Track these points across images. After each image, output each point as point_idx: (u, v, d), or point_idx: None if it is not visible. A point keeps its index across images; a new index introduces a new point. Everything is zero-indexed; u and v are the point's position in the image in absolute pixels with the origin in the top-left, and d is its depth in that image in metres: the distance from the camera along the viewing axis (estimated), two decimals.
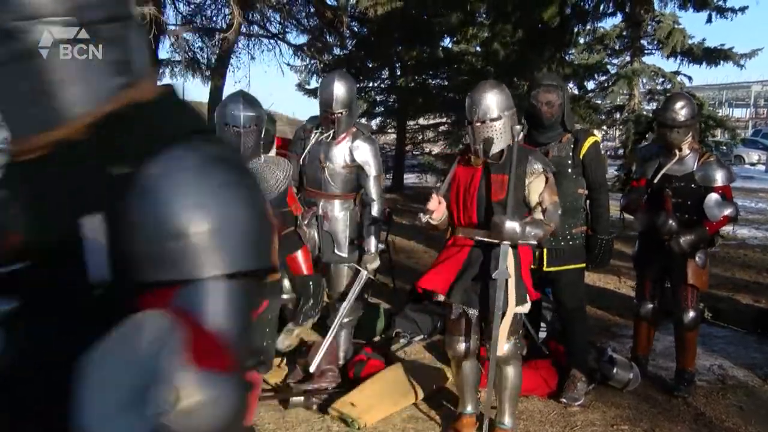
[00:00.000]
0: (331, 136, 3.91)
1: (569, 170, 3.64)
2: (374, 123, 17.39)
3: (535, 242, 3.15)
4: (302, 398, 3.65)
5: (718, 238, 4.03)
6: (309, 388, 3.74)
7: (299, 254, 3.53)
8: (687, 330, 3.90)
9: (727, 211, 3.82)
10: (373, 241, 3.95)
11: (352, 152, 3.92)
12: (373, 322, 4.79)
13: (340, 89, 3.81)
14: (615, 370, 3.89)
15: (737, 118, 31.53)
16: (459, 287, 3.15)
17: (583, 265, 3.77)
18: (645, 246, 4.03)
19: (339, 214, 4.01)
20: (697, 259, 3.82)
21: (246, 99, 3.50)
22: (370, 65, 14.63)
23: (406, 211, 11.86)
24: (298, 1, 10.98)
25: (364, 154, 3.93)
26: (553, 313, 4.75)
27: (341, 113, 3.84)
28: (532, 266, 3.50)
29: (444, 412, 3.63)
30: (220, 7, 10.81)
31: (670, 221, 3.75)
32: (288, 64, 13.35)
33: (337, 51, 13.53)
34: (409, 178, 16.39)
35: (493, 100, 3.12)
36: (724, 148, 14.17)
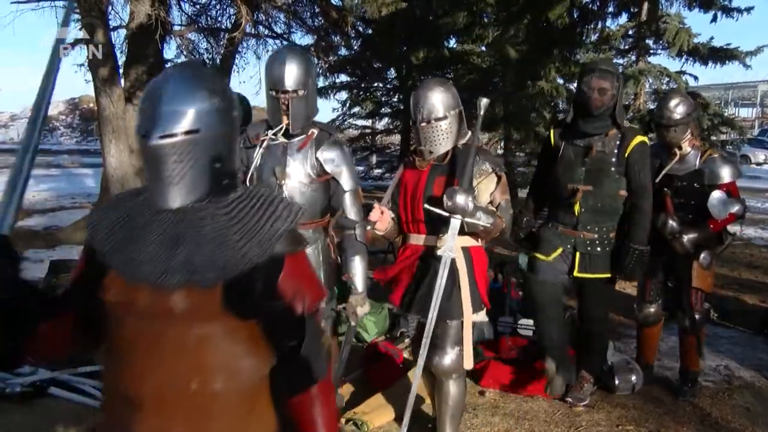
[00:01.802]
0: (284, 130, 2.89)
1: (612, 168, 3.40)
2: (380, 124, 17.44)
3: (487, 226, 2.87)
4: None
5: (728, 236, 3.90)
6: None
7: None
8: (691, 332, 3.85)
9: (734, 209, 3.72)
10: (359, 276, 2.99)
11: (319, 161, 2.96)
12: (377, 321, 4.79)
13: (292, 62, 2.84)
14: (617, 382, 3.87)
15: (743, 117, 31.39)
16: (413, 296, 2.99)
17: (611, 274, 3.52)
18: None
19: (307, 250, 2.86)
20: (701, 259, 3.75)
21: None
22: (376, 66, 14.63)
23: None
24: (303, 1, 10.97)
25: (335, 162, 2.97)
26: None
27: (295, 93, 2.83)
28: (545, 257, 3.48)
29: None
30: (225, 7, 10.81)
31: (670, 221, 3.69)
32: None
33: (342, 51, 13.53)
34: None
35: (438, 99, 2.92)
36: (731, 147, 14.10)
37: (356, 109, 16.10)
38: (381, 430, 3.44)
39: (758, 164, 25.13)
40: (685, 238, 3.68)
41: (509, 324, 4.69)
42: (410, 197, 3.00)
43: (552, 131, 3.67)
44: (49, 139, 37.17)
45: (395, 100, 15.97)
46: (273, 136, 2.91)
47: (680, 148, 3.79)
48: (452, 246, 2.86)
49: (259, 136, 2.95)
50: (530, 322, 4.58)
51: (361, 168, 17.62)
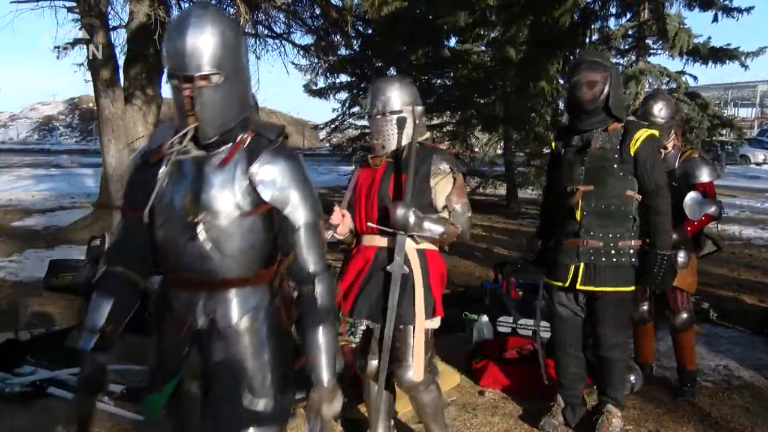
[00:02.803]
0: (189, 136, 1.82)
1: (615, 166, 3.10)
2: None
3: (437, 237, 2.75)
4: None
5: (706, 240, 3.88)
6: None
7: None
8: (680, 332, 3.82)
9: (709, 210, 3.68)
10: (324, 359, 1.88)
11: (253, 181, 1.83)
12: None
13: (200, 30, 1.74)
14: None
15: (743, 117, 31.45)
16: (363, 301, 2.80)
17: (630, 288, 3.19)
18: None
19: (241, 323, 1.89)
20: (679, 259, 3.58)
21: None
22: (376, 66, 14.63)
23: None
24: (303, 1, 10.98)
25: (278, 183, 1.85)
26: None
27: (207, 78, 1.76)
28: (561, 283, 3.25)
29: (449, 413, 3.62)
30: (224, 7, 10.81)
31: None
32: (293, 63, 13.34)
33: (342, 51, 13.53)
34: None
35: (394, 93, 2.83)
36: (730, 147, 14.11)
37: (356, 109, 16.11)
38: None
39: (758, 164, 25.16)
40: (679, 258, 3.57)
41: (509, 324, 4.69)
42: (364, 197, 2.87)
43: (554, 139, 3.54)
44: (48, 139, 37.16)
45: None
46: (180, 146, 1.84)
47: (665, 148, 3.77)
48: (401, 262, 2.74)
49: (162, 149, 1.86)
50: (530, 322, 4.59)
51: None
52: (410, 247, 2.78)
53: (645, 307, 3.96)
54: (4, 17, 47.53)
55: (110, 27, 8.48)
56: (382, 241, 2.82)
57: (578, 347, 3.38)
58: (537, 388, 3.75)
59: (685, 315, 3.78)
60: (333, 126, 16.82)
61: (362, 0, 12.19)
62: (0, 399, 3.56)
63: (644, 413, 3.63)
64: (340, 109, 16.28)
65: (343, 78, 15.59)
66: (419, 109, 2.90)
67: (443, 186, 2.80)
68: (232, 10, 8.34)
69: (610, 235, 3.13)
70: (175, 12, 9.98)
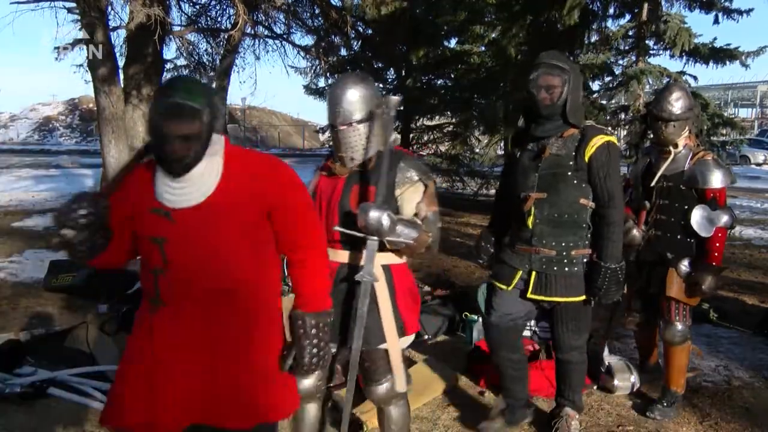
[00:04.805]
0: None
1: (569, 173, 2.93)
2: None
3: (410, 243, 2.54)
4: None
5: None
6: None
7: None
8: (671, 345, 3.55)
9: (721, 221, 3.38)
10: None
11: None
12: None
13: None
14: (615, 383, 3.85)
15: (743, 118, 31.45)
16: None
17: (581, 298, 3.03)
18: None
19: None
20: (681, 267, 3.47)
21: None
22: (376, 66, 14.65)
23: None
24: (303, 1, 10.98)
25: None
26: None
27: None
28: (505, 286, 3.10)
29: (448, 413, 3.63)
30: (224, 7, 10.82)
31: (635, 231, 3.53)
32: (293, 67, 13.36)
33: (342, 52, 13.54)
34: None
35: (358, 98, 2.55)
36: (730, 147, 14.10)
37: None
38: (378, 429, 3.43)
39: (758, 165, 25.17)
40: (682, 266, 3.46)
41: None
42: (325, 208, 2.64)
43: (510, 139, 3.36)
44: (48, 139, 37.16)
45: None
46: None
47: (675, 146, 3.49)
48: (371, 270, 2.54)
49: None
50: (531, 322, 4.60)
51: None
52: (375, 263, 2.58)
53: (637, 316, 3.80)
54: (4, 17, 47.52)
55: (110, 27, 8.49)
56: (344, 256, 2.62)
57: (514, 349, 3.23)
58: (537, 388, 3.75)
59: (679, 327, 3.50)
60: None
61: (362, 0, 12.18)
62: (0, 399, 3.56)
63: (644, 414, 3.62)
64: None
65: None
66: (383, 109, 2.63)
67: (411, 195, 2.63)
68: (231, 11, 8.34)
69: (563, 244, 2.98)
70: (174, 12, 9.98)
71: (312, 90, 15.78)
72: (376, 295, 2.59)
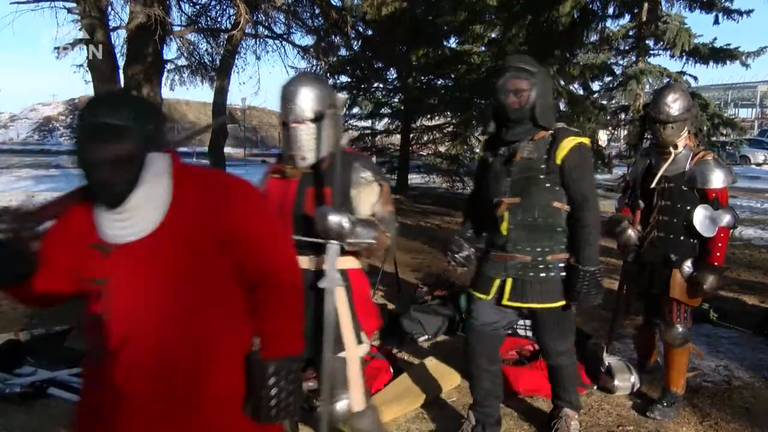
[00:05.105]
0: None
1: (541, 177, 2.88)
2: (380, 125, 17.47)
3: (371, 242, 2.47)
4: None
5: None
6: (312, 386, 3.73)
7: None
8: (672, 347, 3.55)
9: (723, 221, 3.37)
10: None
11: None
12: None
13: None
14: (616, 383, 3.84)
15: (743, 118, 31.46)
16: None
17: (560, 303, 2.97)
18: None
19: None
20: (684, 268, 3.46)
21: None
22: (376, 66, 14.67)
23: (411, 211, 11.87)
24: (303, 1, 10.99)
25: None
26: None
27: None
28: (484, 296, 3.05)
29: (448, 413, 3.63)
30: (224, 7, 10.83)
31: (630, 231, 3.54)
32: (293, 67, 13.37)
33: (342, 52, 13.56)
34: (414, 179, 16.41)
35: (311, 96, 2.49)
36: (730, 148, 14.11)
37: (356, 110, 16.12)
38: None
39: (758, 165, 25.20)
40: (685, 267, 3.44)
41: None
42: (278, 214, 2.49)
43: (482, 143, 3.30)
44: (49, 139, 37.17)
45: (395, 100, 15.99)
46: None
47: (675, 147, 3.47)
48: (334, 276, 2.46)
49: None
50: (530, 322, 4.59)
51: None
52: (339, 283, 2.49)
53: (638, 320, 3.73)
54: (4, 17, 47.55)
55: (110, 27, 8.49)
56: (303, 262, 2.38)
57: (492, 361, 3.15)
58: (537, 388, 3.76)
59: (679, 329, 3.49)
60: None
61: (362, 0, 12.19)
62: (0, 399, 3.56)
63: (645, 414, 3.62)
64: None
65: (344, 79, 15.61)
66: (336, 110, 2.58)
67: (366, 196, 2.56)
68: (231, 11, 8.34)
69: (539, 249, 2.93)
70: (174, 12, 9.98)
71: None
72: (336, 303, 2.49)
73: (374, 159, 17.96)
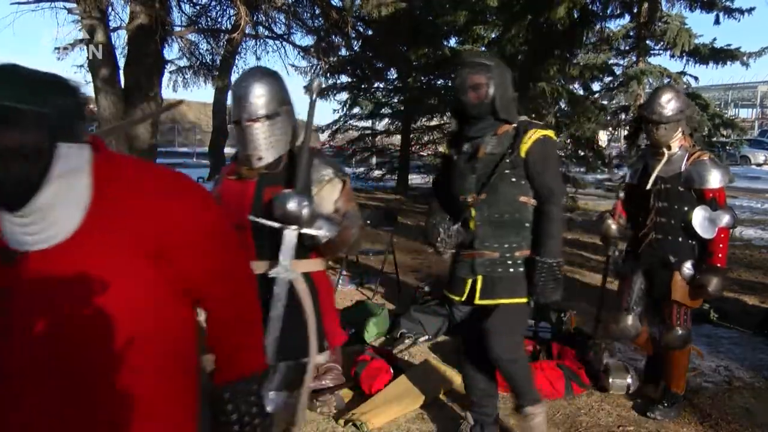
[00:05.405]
0: None
1: (506, 171, 2.83)
2: (381, 125, 17.48)
3: (331, 236, 2.36)
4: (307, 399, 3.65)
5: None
6: (312, 386, 3.72)
7: None
8: (672, 349, 3.53)
9: (723, 222, 3.34)
10: None
11: None
12: (377, 322, 4.79)
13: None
14: (611, 380, 3.85)
15: (743, 118, 31.45)
16: None
17: (524, 300, 2.88)
18: (628, 251, 3.70)
19: None
20: (684, 270, 3.43)
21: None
22: (377, 66, 14.67)
23: (411, 212, 11.87)
24: (303, 2, 10.99)
25: None
26: (558, 314, 4.76)
27: None
28: (458, 297, 2.99)
29: (448, 413, 3.63)
30: (225, 8, 10.83)
31: (609, 222, 3.59)
32: (293, 65, 13.38)
33: (343, 52, 13.57)
34: (415, 179, 16.41)
35: (265, 92, 2.36)
36: (731, 148, 14.12)
37: (356, 110, 16.13)
38: (380, 430, 3.44)
39: (758, 165, 25.20)
40: (685, 269, 3.41)
41: None
42: (234, 215, 2.32)
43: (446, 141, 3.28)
44: None
45: (395, 100, 16.00)
46: None
47: (669, 148, 3.45)
48: (289, 264, 2.31)
49: None
50: (530, 322, 4.60)
51: (361, 169, 17.64)
52: (295, 269, 2.35)
53: (629, 321, 3.63)
54: (4, 18, 47.60)
55: (110, 28, 8.50)
56: (260, 267, 2.31)
57: (484, 361, 3.04)
58: (542, 389, 3.75)
59: (679, 332, 3.47)
60: (335, 128, 16.86)
61: (362, 1, 12.20)
62: None
63: (645, 414, 3.62)
64: (340, 110, 16.31)
65: (344, 79, 15.62)
66: (292, 107, 2.47)
67: (328, 193, 2.47)
68: (231, 11, 8.34)
69: (506, 246, 2.88)
70: (175, 13, 9.98)
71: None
72: (300, 304, 2.33)
73: (374, 159, 18.10)
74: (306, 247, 2.38)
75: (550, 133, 2.91)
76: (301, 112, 2.55)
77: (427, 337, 4.75)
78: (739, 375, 4.22)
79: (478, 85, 2.83)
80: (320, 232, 2.34)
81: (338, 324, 2.57)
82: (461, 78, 2.88)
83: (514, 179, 2.85)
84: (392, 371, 3.96)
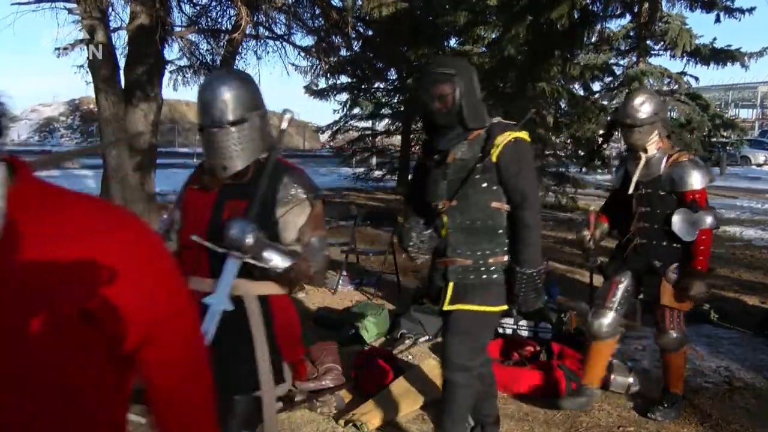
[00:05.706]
0: None
1: (477, 176, 2.71)
2: (381, 125, 17.48)
3: (283, 270, 2.13)
4: (306, 399, 3.65)
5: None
6: (312, 387, 3.73)
7: None
8: (668, 352, 3.55)
9: (704, 223, 3.30)
10: None
11: None
12: (377, 323, 4.79)
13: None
14: (613, 377, 3.85)
15: (743, 119, 31.46)
16: None
17: (491, 309, 2.76)
18: (615, 253, 3.68)
19: None
20: (670, 274, 3.41)
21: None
22: (377, 66, 14.68)
23: None
24: (303, 2, 10.98)
25: None
26: (558, 314, 4.76)
27: None
28: (435, 306, 2.89)
29: None
30: (225, 8, 10.82)
31: (584, 232, 3.63)
32: (293, 65, 13.39)
33: (343, 52, 13.57)
34: None
35: (233, 96, 2.17)
36: (731, 148, 14.12)
37: (356, 111, 16.13)
38: (380, 430, 3.44)
39: (758, 165, 25.21)
40: (671, 273, 3.41)
41: (510, 325, 4.69)
42: (192, 228, 2.20)
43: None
44: (49, 140, 37.23)
45: (395, 101, 16.00)
46: None
47: (645, 151, 3.43)
48: (226, 295, 2.07)
49: None
50: (531, 322, 4.61)
51: (361, 169, 17.64)
52: (248, 292, 2.16)
53: (607, 319, 3.53)
54: (4, 18, 47.64)
55: (111, 28, 8.50)
56: (211, 285, 2.12)
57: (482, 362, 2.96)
58: (538, 389, 3.75)
59: (673, 335, 3.48)
60: (335, 128, 16.87)
61: (363, 1, 12.20)
62: None
63: (645, 414, 3.62)
64: (340, 111, 16.32)
65: (344, 79, 15.63)
66: (264, 112, 2.30)
67: (295, 216, 2.22)
68: (232, 11, 8.34)
69: (479, 252, 2.76)
70: (175, 13, 9.98)
71: (312, 91, 15.79)
72: (248, 331, 2.13)
73: (375, 160, 18.09)
74: (257, 277, 2.16)
75: (523, 134, 2.78)
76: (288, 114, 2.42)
77: (427, 337, 4.75)
78: (739, 375, 4.22)
79: (444, 94, 2.72)
80: (269, 265, 2.11)
81: (298, 349, 2.35)
82: (426, 90, 2.78)
83: (485, 185, 2.73)
84: (392, 371, 3.96)
